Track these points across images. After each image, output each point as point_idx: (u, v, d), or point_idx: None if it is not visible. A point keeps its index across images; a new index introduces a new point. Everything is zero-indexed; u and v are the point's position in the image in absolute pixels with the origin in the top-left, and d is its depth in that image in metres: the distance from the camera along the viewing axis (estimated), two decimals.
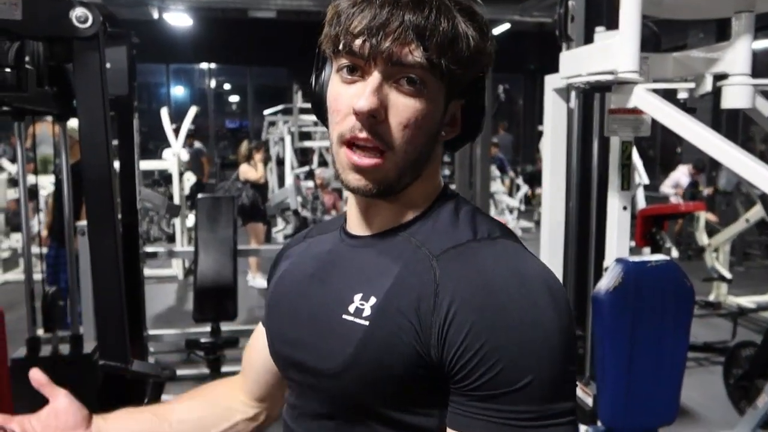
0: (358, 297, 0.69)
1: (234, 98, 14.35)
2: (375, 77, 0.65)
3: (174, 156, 6.05)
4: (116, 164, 2.54)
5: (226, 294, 3.54)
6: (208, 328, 3.51)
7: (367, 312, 0.67)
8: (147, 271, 4.79)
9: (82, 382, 2.05)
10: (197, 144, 9.30)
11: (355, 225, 0.76)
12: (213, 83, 13.38)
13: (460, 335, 0.61)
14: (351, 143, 0.67)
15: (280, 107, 7.05)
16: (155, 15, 8.93)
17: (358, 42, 0.64)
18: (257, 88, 13.14)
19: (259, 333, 0.88)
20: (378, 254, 0.71)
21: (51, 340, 2.09)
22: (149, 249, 4.24)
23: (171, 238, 6.28)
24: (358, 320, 0.67)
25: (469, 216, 0.72)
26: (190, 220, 6.45)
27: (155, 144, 10.62)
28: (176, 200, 5.99)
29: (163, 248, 4.60)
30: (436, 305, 0.63)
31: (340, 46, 0.66)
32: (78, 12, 1.27)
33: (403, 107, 0.65)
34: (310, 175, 5.48)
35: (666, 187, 7.16)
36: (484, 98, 0.73)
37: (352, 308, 0.68)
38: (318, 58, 0.74)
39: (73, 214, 2.21)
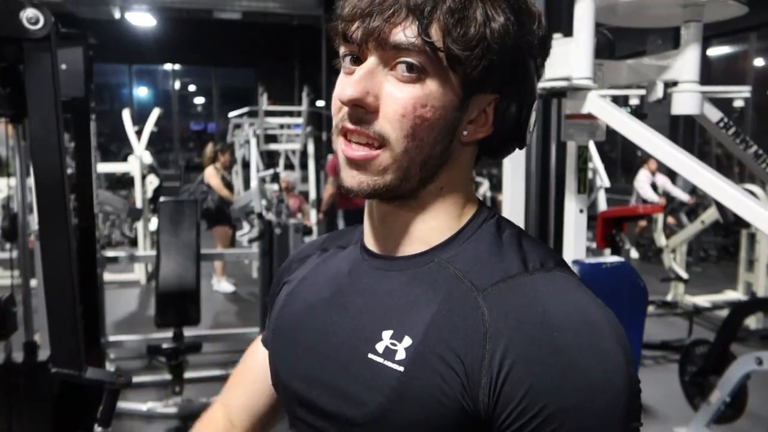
0: (387, 335, 0.59)
1: (199, 100, 14.17)
2: (367, 63, 0.58)
3: (136, 158, 5.94)
4: (71, 167, 2.48)
5: (189, 298, 3.49)
6: (170, 334, 3.45)
7: (400, 355, 0.58)
8: (108, 276, 4.71)
9: (38, 390, 2.00)
10: None
11: (374, 239, 0.66)
12: (177, 85, 13.19)
13: (518, 393, 0.51)
14: (345, 136, 0.60)
15: (245, 109, 6.99)
16: (117, 15, 8.77)
17: (352, 27, 0.58)
18: (223, 89, 13.00)
19: (259, 354, 0.79)
20: (409, 282, 0.61)
21: (4, 347, 2.04)
22: (110, 253, 4.17)
23: (133, 242, 6.17)
24: (389, 364, 0.58)
25: (516, 240, 0.61)
26: (153, 223, 6.34)
27: (118, 146, 10.43)
28: (138, 204, 5.88)
29: (124, 252, 4.52)
30: (486, 353, 0.53)
31: (340, 33, 0.60)
32: (29, 13, 1.25)
33: (398, 95, 0.57)
34: (275, 178, 5.45)
35: (648, 193, 7.15)
36: (530, 93, 0.62)
37: (380, 347, 0.59)
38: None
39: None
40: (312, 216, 6.44)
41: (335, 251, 0.74)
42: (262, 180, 4.72)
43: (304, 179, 7.16)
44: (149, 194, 6.26)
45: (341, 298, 0.66)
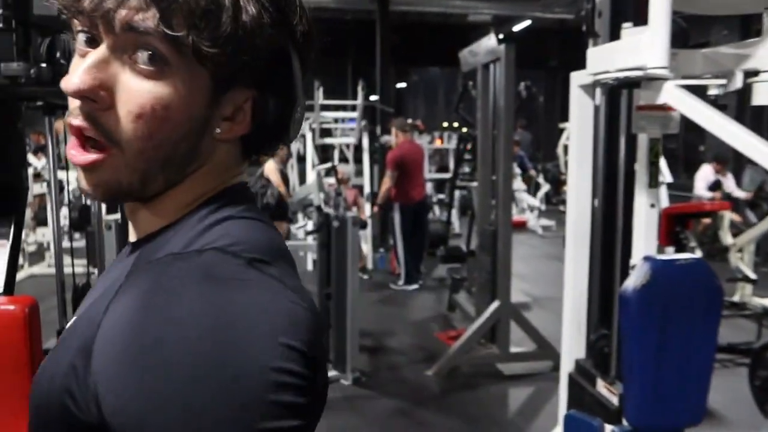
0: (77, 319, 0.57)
1: None
2: (101, 48, 0.50)
3: None
4: None
5: None
6: None
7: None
8: None
9: None
10: None
11: (130, 231, 0.61)
12: None
13: (96, 378, 0.46)
14: (73, 132, 0.52)
15: None
16: None
17: (84, 3, 0.49)
18: None
19: None
20: (119, 265, 0.58)
21: None
22: None
23: None
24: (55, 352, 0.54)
25: (212, 224, 0.54)
26: None
27: None
28: None
29: None
30: (97, 335, 0.48)
31: (69, 6, 0.51)
32: None
33: (136, 91, 0.50)
34: (330, 171, 5.50)
35: (700, 190, 7.01)
36: (292, 88, 0.57)
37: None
38: None
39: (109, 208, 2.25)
40: (366, 209, 6.48)
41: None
42: (320, 173, 4.76)
43: (359, 173, 7.20)
44: None
45: (92, 291, 0.61)
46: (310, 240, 6.58)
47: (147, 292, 0.47)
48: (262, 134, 0.58)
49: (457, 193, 7.34)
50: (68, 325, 0.57)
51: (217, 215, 0.55)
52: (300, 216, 6.46)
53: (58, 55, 1.44)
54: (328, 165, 5.53)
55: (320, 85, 6.56)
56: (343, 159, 7.73)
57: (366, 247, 6.46)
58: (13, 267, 1.51)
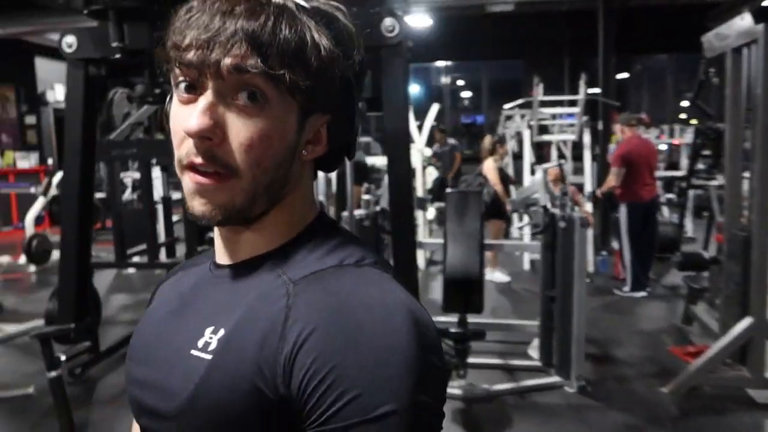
0: (209, 331, 0.62)
1: (466, 94, 14.61)
2: (208, 93, 0.58)
3: (418, 152, 6.35)
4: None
5: (474, 286, 3.60)
6: (454, 319, 3.62)
7: (213, 345, 0.60)
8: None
9: None
10: (451, 140, 9.69)
11: (221, 254, 0.68)
12: (447, 80, 13.78)
13: (307, 360, 0.53)
14: (190, 167, 0.60)
15: (520, 101, 6.96)
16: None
17: (189, 54, 0.57)
18: (491, 82, 13.18)
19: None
20: (235, 284, 0.65)
21: None
22: None
23: None
24: (203, 354, 0.60)
25: (341, 243, 0.64)
26: (430, 213, 6.73)
27: None
28: (419, 194, 6.29)
29: None
30: (284, 332, 0.55)
31: (173, 59, 0.59)
32: (387, 22, 1.38)
33: (243, 126, 0.58)
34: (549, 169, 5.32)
35: None
36: (354, 111, 0.65)
37: (201, 343, 0.61)
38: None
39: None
40: (588, 208, 6.16)
41: (188, 270, 0.75)
42: (545, 171, 4.63)
43: (577, 170, 6.87)
44: (429, 185, 6.64)
45: (182, 307, 0.68)
46: (527, 239, 6.46)
47: (336, 293, 0.57)
48: (334, 154, 0.67)
49: (690, 193, 6.61)
50: (208, 340, 0.62)
51: (340, 237, 0.66)
52: (517, 215, 6.37)
53: None
54: (555, 163, 5.35)
55: (540, 81, 6.38)
56: (561, 156, 7.44)
57: (587, 249, 6.13)
58: None
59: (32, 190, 7.66)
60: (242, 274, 0.65)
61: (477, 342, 3.61)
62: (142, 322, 0.73)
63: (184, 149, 0.61)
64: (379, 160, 5.02)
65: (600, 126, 7.27)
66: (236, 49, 0.57)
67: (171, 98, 0.64)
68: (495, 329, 4.27)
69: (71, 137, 1.54)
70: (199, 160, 0.59)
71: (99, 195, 6.95)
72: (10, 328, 4.70)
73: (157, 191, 6.06)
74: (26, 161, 9.73)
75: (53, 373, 1.67)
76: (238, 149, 0.59)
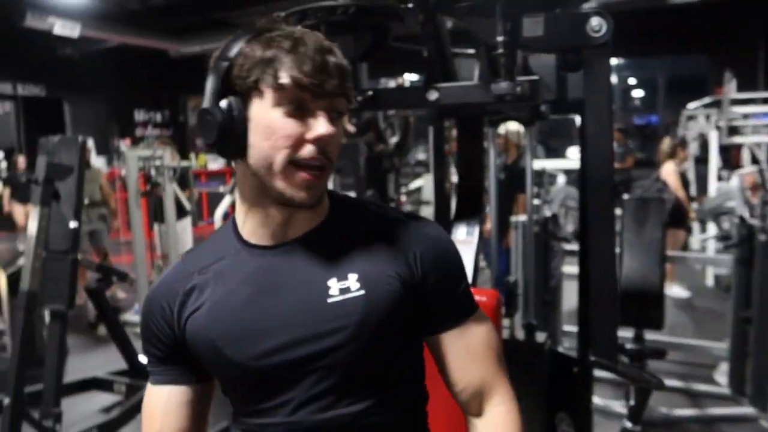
0: (333, 281, 0.83)
1: (638, 93, 13.63)
2: (322, 110, 0.81)
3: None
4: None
5: (652, 301, 3.34)
6: (629, 334, 3.38)
7: (355, 285, 0.83)
8: (566, 269, 4.89)
9: (533, 367, 2.20)
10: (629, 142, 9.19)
11: (269, 237, 0.87)
12: (615, 79, 12.96)
13: (429, 267, 0.88)
14: (304, 165, 0.81)
15: (707, 99, 6.31)
16: None
17: (306, 81, 0.78)
18: (668, 80, 12.15)
19: (166, 398, 0.90)
20: (321, 246, 0.86)
21: (509, 325, 2.30)
22: (567, 247, 4.32)
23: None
24: (351, 295, 0.82)
25: (363, 203, 0.97)
26: None
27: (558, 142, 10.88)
28: None
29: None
30: (409, 255, 0.87)
31: (285, 82, 0.78)
32: (593, 22, 1.32)
33: (335, 131, 0.82)
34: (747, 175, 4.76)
35: None
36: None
37: (334, 291, 0.83)
38: (221, 89, 0.82)
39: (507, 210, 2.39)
40: None
41: (214, 265, 0.88)
42: (742, 177, 4.16)
43: None
44: None
45: (269, 286, 0.84)
46: (710, 252, 5.86)
47: (414, 219, 0.94)
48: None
49: None
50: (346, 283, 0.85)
51: (351, 199, 0.97)
52: (699, 225, 5.80)
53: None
54: (752, 169, 4.80)
55: (732, 77, 5.75)
56: (754, 161, 6.64)
57: None
58: (476, 262, 1.72)
59: (220, 189, 8.52)
60: (317, 241, 0.87)
61: (653, 361, 3.34)
62: (211, 318, 0.84)
63: (304, 151, 0.80)
64: (549, 164, 4.87)
65: None
66: (337, 79, 0.80)
67: (232, 103, 0.81)
68: (674, 349, 3.92)
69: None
70: (320, 156, 0.81)
71: None
72: None
73: None
74: (215, 163, 10.84)
75: None
76: (333, 147, 0.83)
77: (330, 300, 0.82)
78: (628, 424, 1.46)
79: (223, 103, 0.80)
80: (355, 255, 0.85)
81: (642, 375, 1.40)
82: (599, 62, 1.33)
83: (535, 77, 1.46)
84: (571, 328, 4.23)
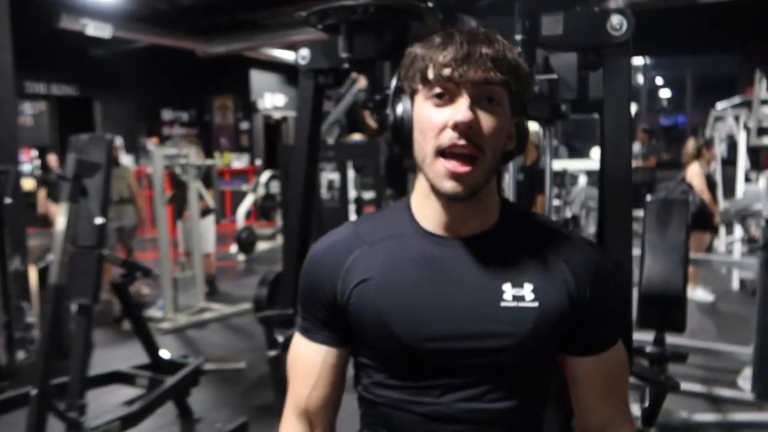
0: (507, 287, 0.86)
1: (665, 93, 13.41)
2: (466, 98, 0.82)
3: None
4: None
5: (674, 303, 3.29)
6: (650, 337, 3.33)
7: (530, 296, 0.86)
8: None
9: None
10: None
11: (445, 228, 0.89)
12: (642, 79, 12.75)
13: (599, 298, 0.89)
14: (446, 153, 0.83)
15: (736, 99, 6.19)
16: None
17: (447, 71, 0.81)
18: (696, 79, 11.92)
19: (312, 352, 0.94)
20: (496, 250, 0.88)
21: None
22: None
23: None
24: (525, 304, 0.85)
25: (532, 215, 0.97)
26: None
27: (582, 142, 10.76)
28: None
29: None
30: (577, 280, 0.88)
31: (431, 76, 0.82)
32: (614, 20, 1.32)
33: (488, 120, 0.82)
34: None
35: None
36: (526, 120, 0.92)
37: (507, 297, 0.86)
38: (395, 93, 0.90)
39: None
40: None
41: (386, 242, 0.91)
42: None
43: None
44: None
45: (440, 273, 0.87)
46: (736, 256, 5.75)
47: (599, 250, 0.96)
48: (518, 148, 0.90)
49: None
50: (511, 294, 0.88)
51: (526, 210, 0.99)
52: (725, 228, 5.70)
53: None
54: None
55: (763, 76, 5.63)
56: None
57: None
58: None
59: (243, 187, 8.62)
60: (488, 243, 0.89)
61: (675, 365, 3.29)
62: (379, 290, 0.88)
63: (445, 137, 0.83)
64: (571, 165, 4.82)
65: None
66: (484, 66, 0.81)
67: (400, 103, 0.89)
68: (696, 353, 3.85)
69: (299, 140, 1.70)
70: (462, 141, 0.82)
71: None
72: (224, 309, 5.34)
73: (352, 191, 6.45)
74: (239, 162, 10.97)
75: (273, 353, 1.84)
76: (486, 135, 0.83)
77: (503, 304, 0.85)
78: (642, 426, 1.45)
79: (398, 106, 0.89)
80: (529, 264, 0.88)
81: (657, 376, 1.38)
82: (619, 61, 1.32)
83: (554, 76, 1.46)
84: None
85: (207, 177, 5.74)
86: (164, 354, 3.28)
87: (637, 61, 12.35)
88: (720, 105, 6.63)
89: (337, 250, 0.93)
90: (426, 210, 0.90)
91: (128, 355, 3.55)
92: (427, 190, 0.89)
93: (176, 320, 5.06)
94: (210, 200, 5.77)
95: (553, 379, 0.95)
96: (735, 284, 5.83)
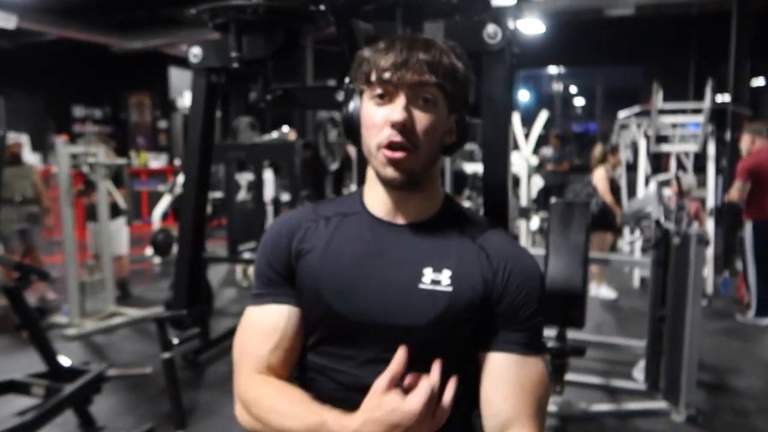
0: (428, 271, 0.94)
1: (579, 101, 14.07)
2: (402, 99, 0.92)
3: (524, 160, 6.21)
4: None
5: (575, 300, 3.47)
6: (553, 333, 3.50)
7: (446, 281, 0.94)
8: None
9: None
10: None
11: (387, 213, 1.00)
12: (558, 87, 13.32)
13: (511, 286, 0.96)
14: (387, 146, 0.92)
15: (636, 109, 6.60)
16: (510, 25, 9.29)
17: (387, 75, 0.91)
18: (606, 89, 12.59)
19: (280, 316, 1.00)
20: (422, 237, 0.98)
21: None
22: None
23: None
24: (440, 288, 0.93)
25: (470, 212, 1.06)
26: (534, 222, 6.56)
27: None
28: (523, 203, 6.16)
29: None
30: (495, 271, 0.96)
31: (373, 78, 0.93)
32: (489, 29, 1.39)
33: (423, 118, 0.93)
34: (668, 182, 5.00)
35: None
36: (469, 113, 1.01)
37: (426, 280, 0.94)
38: (348, 92, 1.01)
39: None
40: (709, 226, 5.72)
41: (340, 218, 1.02)
42: (660, 184, 4.37)
43: (700, 184, 6.41)
44: (533, 195, 6.47)
45: (375, 252, 0.97)
46: (637, 255, 6.11)
47: (510, 245, 1.01)
48: (459, 141, 1.01)
49: None
50: (430, 276, 0.96)
51: (464, 207, 1.07)
52: (629, 229, 6.05)
53: None
54: (669, 175, 5.04)
55: (659, 88, 6.02)
56: (680, 168, 6.98)
57: (707, 269, 5.71)
58: None
59: (160, 188, 8.33)
60: (423, 230, 0.98)
61: (577, 359, 3.47)
62: (323, 260, 0.98)
63: (384, 134, 0.93)
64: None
65: (728, 136, 6.74)
66: (420, 70, 0.91)
67: (351, 101, 1.00)
68: (597, 347, 4.09)
69: (192, 139, 1.68)
70: (398, 138, 0.92)
71: (217, 194, 7.44)
72: (135, 313, 5.15)
73: (269, 193, 6.38)
74: (157, 162, 10.60)
75: (166, 355, 1.81)
76: (420, 133, 0.93)
77: (421, 286, 0.94)
78: None
79: (350, 104, 1.00)
80: (453, 253, 0.96)
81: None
82: (495, 67, 1.39)
83: None
84: None
85: (118, 177, 5.53)
86: (64, 361, 3.13)
87: (553, 70, 12.88)
88: (622, 113, 7.04)
89: (295, 221, 1.04)
90: (372, 195, 1.00)
91: (29, 364, 3.36)
92: (373, 178, 0.99)
93: (83, 326, 4.83)
94: (121, 201, 5.55)
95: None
96: (636, 282, 6.20)
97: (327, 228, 1.01)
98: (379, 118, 0.93)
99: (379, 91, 0.93)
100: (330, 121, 5.00)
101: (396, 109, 0.91)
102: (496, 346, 0.95)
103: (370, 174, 1.01)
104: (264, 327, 1.00)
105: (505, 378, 0.93)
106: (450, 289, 0.93)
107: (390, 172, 0.93)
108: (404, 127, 0.91)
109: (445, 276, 0.94)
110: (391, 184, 0.95)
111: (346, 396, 0.93)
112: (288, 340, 0.99)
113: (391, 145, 0.92)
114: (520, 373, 0.94)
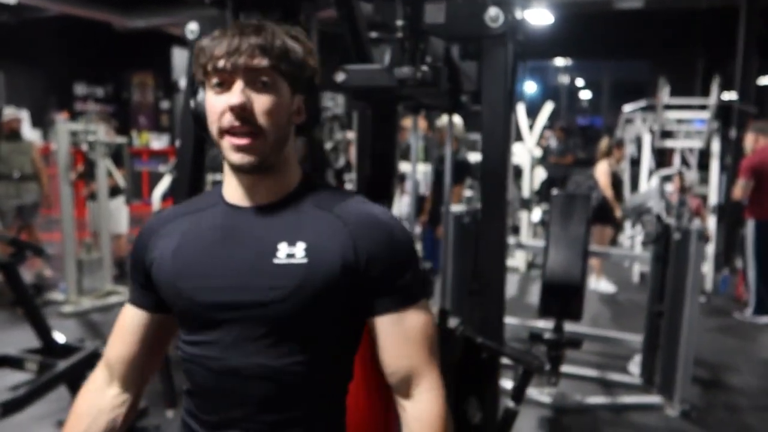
0: (283, 246, 0.94)
1: (585, 94, 13.99)
2: (238, 84, 0.92)
3: (528, 152, 6.17)
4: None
5: (574, 293, 3.45)
6: (551, 325, 3.49)
7: (301, 254, 0.93)
8: None
9: (444, 352, 2.24)
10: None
11: (241, 199, 0.99)
12: (565, 79, 13.22)
13: (368, 253, 0.95)
14: (229, 132, 0.92)
15: (642, 103, 6.54)
16: (519, 15, 9.19)
17: (221, 63, 0.91)
18: (612, 83, 12.50)
19: (128, 315, 1.05)
20: (281, 214, 0.97)
21: None
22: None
23: (515, 230, 6.47)
24: (295, 261, 0.92)
25: (328, 186, 1.06)
26: (536, 214, 6.54)
27: None
28: (526, 194, 6.13)
29: (512, 240, 4.74)
30: (352, 240, 0.95)
31: (209, 68, 0.92)
32: (491, 12, 1.35)
33: (262, 100, 0.92)
34: (671, 177, 4.96)
35: None
36: (317, 96, 1.03)
37: (281, 254, 0.93)
38: (194, 84, 1.00)
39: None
40: (711, 223, 5.69)
41: (196, 213, 1.03)
42: (662, 179, 4.33)
43: (702, 180, 6.37)
44: (536, 186, 6.44)
45: (228, 237, 0.97)
46: (638, 250, 6.09)
47: (368, 213, 0.99)
48: (308, 121, 1.01)
49: None
50: (285, 251, 0.95)
51: (324, 183, 1.08)
52: (629, 224, 6.02)
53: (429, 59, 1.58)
54: (672, 170, 5.00)
55: (665, 83, 5.96)
56: (684, 164, 6.93)
57: (707, 266, 5.68)
58: None
59: (161, 168, 8.30)
60: (278, 209, 0.98)
61: (573, 351, 3.46)
62: (176, 253, 0.99)
63: (225, 120, 0.92)
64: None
65: (733, 134, 6.69)
66: (252, 54, 0.91)
67: (198, 94, 0.99)
68: (594, 340, 4.07)
69: (187, 119, 1.65)
70: (237, 123, 0.92)
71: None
72: None
73: None
74: (158, 142, 10.57)
75: None
76: (261, 115, 0.92)
77: (275, 261, 0.93)
78: (510, 404, 1.51)
79: (198, 96, 0.99)
80: (308, 225, 0.96)
81: (524, 356, 1.45)
82: (496, 52, 1.36)
83: (439, 64, 1.48)
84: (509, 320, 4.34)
85: (118, 156, 5.50)
86: (58, 337, 3.12)
87: (560, 62, 12.78)
88: (627, 108, 6.98)
89: (153, 223, 1.05)
90: (228, 184, 1.01)
91: (24, 339, 3.36)
92: (228, 167, 0.99)
93: (80, 303, 4.84)
94: (120, 180, 5.53)
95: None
96: (635, 277, 6.18)
97: (184, 224, 1.02)
98: (219, 105, 0.93)
99: (216, 80, 0.93)
100: (335, 119, 4.93)
101: (233, 95, 0.91)
102: (375, 310, 0.97)
103: (226, 164, 1.00)
104: (117, 326, 1.07)
105: (390, 338, 0.96)
106: (305, 260, 0.92)
107: (238, 157, 0.93)
108: (244, 111, 0.91)
109: (300, 248, 0.93)
110: (242, 170, 0.95)
111: (218, 383, 0.95)
112: (128, 340, 1.04)
113: (234, 132, 0.92)
114: (404, 328, 0.96)
